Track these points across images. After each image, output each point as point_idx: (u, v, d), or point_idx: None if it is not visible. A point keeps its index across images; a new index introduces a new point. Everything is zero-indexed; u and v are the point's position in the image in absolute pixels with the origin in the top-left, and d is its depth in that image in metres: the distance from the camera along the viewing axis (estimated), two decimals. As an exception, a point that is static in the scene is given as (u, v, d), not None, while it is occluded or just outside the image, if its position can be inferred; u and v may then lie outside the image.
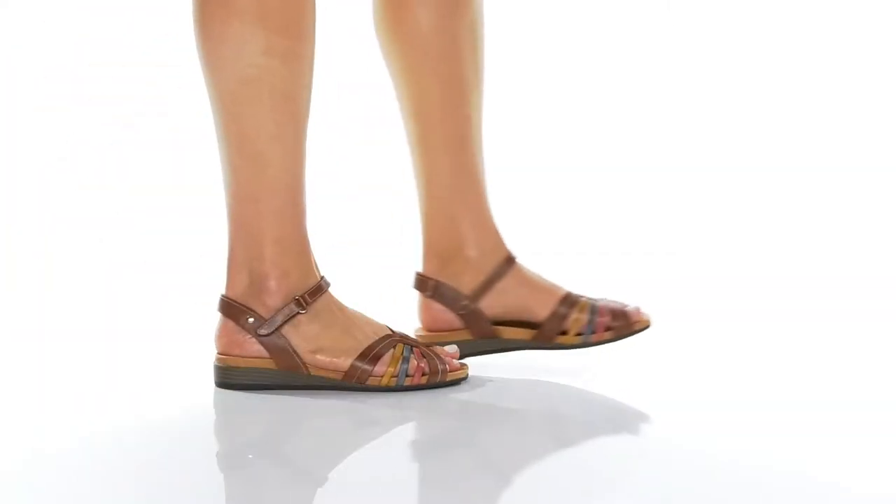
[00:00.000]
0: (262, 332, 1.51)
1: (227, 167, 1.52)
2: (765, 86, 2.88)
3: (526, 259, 1.70)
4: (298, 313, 1.51)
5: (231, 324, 1.53)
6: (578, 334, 1.64)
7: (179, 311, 2.04)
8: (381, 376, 1.52)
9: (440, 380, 1.54)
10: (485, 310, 1.65)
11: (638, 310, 1.67)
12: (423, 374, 1.53)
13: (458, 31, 1.63)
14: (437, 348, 1.57)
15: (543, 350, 1.65)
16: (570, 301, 1.65)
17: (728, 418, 1.45)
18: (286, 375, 1.52)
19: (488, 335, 1.65)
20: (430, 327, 1.67)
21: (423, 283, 1.67)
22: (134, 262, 2.40)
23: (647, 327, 1.67)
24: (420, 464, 1.33)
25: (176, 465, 1.30)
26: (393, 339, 1.53)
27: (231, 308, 1.52)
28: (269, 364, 1.52)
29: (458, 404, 1.51)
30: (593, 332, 1.65)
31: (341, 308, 1.54)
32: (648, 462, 1.31)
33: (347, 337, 1.52)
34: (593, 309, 1.65)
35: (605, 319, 1.65)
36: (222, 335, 1.53)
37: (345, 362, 1.51)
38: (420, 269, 1.68)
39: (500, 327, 1.66)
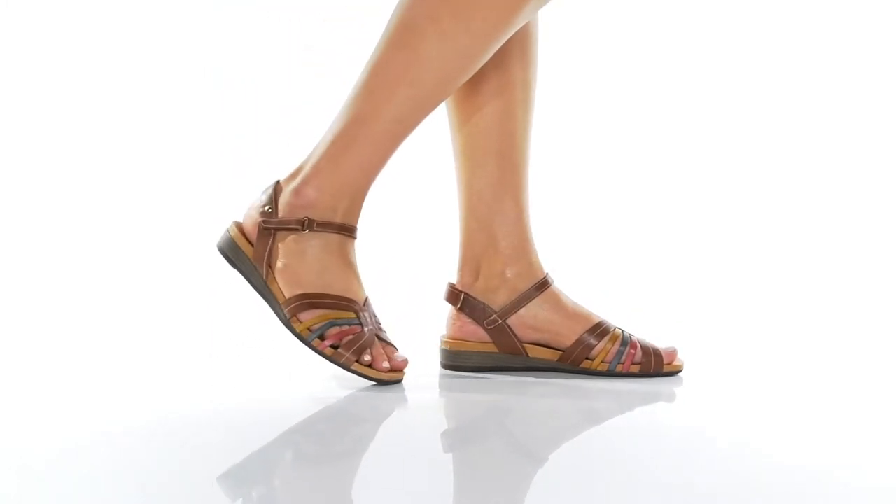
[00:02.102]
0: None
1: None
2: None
3: (581, 287, 1.72)
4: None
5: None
6: (605, 362, 1.63)
7: (179, 311, 2.04)
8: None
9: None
10: (514, 329, 1.64)
11: (674, 352, 1.65)
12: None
13: (508, 44, 1.62)
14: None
15: (569, 373, 1.64)
16: (600, 331, 1.64)
17: (762, 413, 1.47)
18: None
19: (514, 351, 1.64)
20: (456, 337, 1.66)
21: (453, 296, 1.66)
22: (133, 263, 2.42)
23: (677, 372, 1.65)
24: (419, 463, 1.31)
25: (180, 466, 1.28)
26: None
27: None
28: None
29: (459, 402, 1.52)
30: (620, 363, 1.63)
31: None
32: (646, 457, 1.30)
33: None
34: (625, 341, 1.63)
35: (636, 353, 1.63)
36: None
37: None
38: (454, 279, 1.68)
39: (528, 345, 1.65)
